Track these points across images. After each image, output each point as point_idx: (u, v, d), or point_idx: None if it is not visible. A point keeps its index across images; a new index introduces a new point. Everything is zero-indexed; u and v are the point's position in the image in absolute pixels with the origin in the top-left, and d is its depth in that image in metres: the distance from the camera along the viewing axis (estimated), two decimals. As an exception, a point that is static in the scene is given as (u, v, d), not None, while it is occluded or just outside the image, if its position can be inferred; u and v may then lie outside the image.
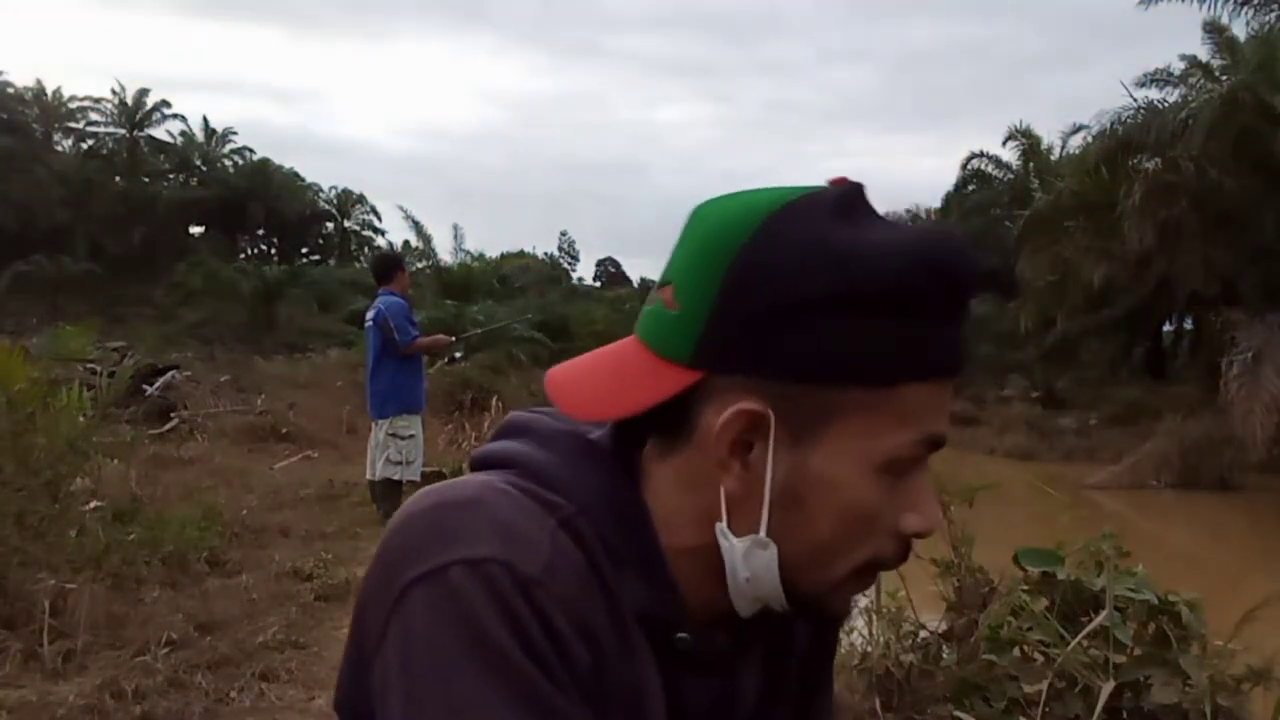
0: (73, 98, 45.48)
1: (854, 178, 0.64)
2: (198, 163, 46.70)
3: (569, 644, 0.58)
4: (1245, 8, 15.17)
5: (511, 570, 0.58)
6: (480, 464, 0.70)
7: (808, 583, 0.65)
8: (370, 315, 5.91)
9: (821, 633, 0.82)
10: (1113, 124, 15.88)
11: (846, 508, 0.62)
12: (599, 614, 0.62)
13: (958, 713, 2.56)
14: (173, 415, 10.77)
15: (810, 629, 0.81)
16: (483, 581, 0.57)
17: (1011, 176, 27.41)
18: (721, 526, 0.64)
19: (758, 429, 0.62)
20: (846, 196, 0.63)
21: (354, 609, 0.65)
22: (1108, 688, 2.33)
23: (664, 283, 0.66)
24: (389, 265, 6.13)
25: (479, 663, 0.56)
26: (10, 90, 42.69)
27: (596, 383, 0.68)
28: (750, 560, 0.64)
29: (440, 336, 6.43)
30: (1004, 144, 26.75)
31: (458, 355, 6.44)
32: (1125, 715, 2.44)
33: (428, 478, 6.09)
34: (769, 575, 0.64)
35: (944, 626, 2.97)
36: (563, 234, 59.27)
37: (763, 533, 0.63)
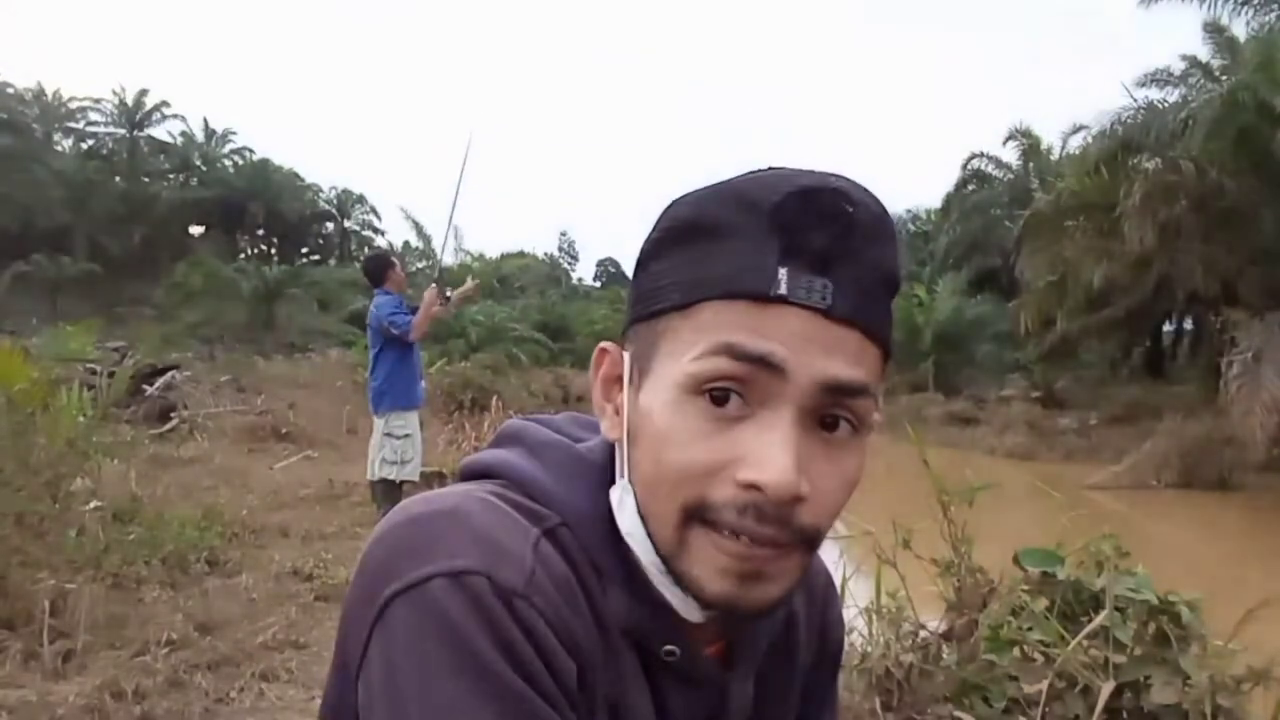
0: (73, 98, 45.53)
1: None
2: (198, 163, 46.71)
3: (553, 655, 0.57)
4: (1245, 8, 15.17)
5: (493, 582, 0.57)
6: (469, 472, 0.70)
7: (658, 537, 0.61)
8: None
9: (823, 646, 0.82)
10: (1113, 124, 15.86)
11: (657, 436, 0.60)
12: (584, 626, 0.61)
13: (958, 713, 2.56)
14: (173, 415, 10.77)
15: (815, 640, 0.80)
16: (464, 593, 0.56)
17: (1011, 176, 27.43)
18: (622, 481, 0.64)
19: (616, 370, 0.66)
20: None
21: (339, 622, 0.64)
22: (1108, 688, 2.32)
23: None
24: (379, 266, 6.10)
25: (462, 675, 0.55)
26: (10, 90, 42.67)
27: None
28: (623, 511, 0.63)
29: (428, 295, 5.99)
30: (1004, 144, 26.82)
31: (448, 295, 6.19)
32: (1125, 715, 2.44)
33: (427, 478, 6.08)
34: (636, 527, 0.62)
35: (944, 626, 2.97)
36: (563, 234, 59.26)
37: (621, 474, 0.64)
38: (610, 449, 0.67)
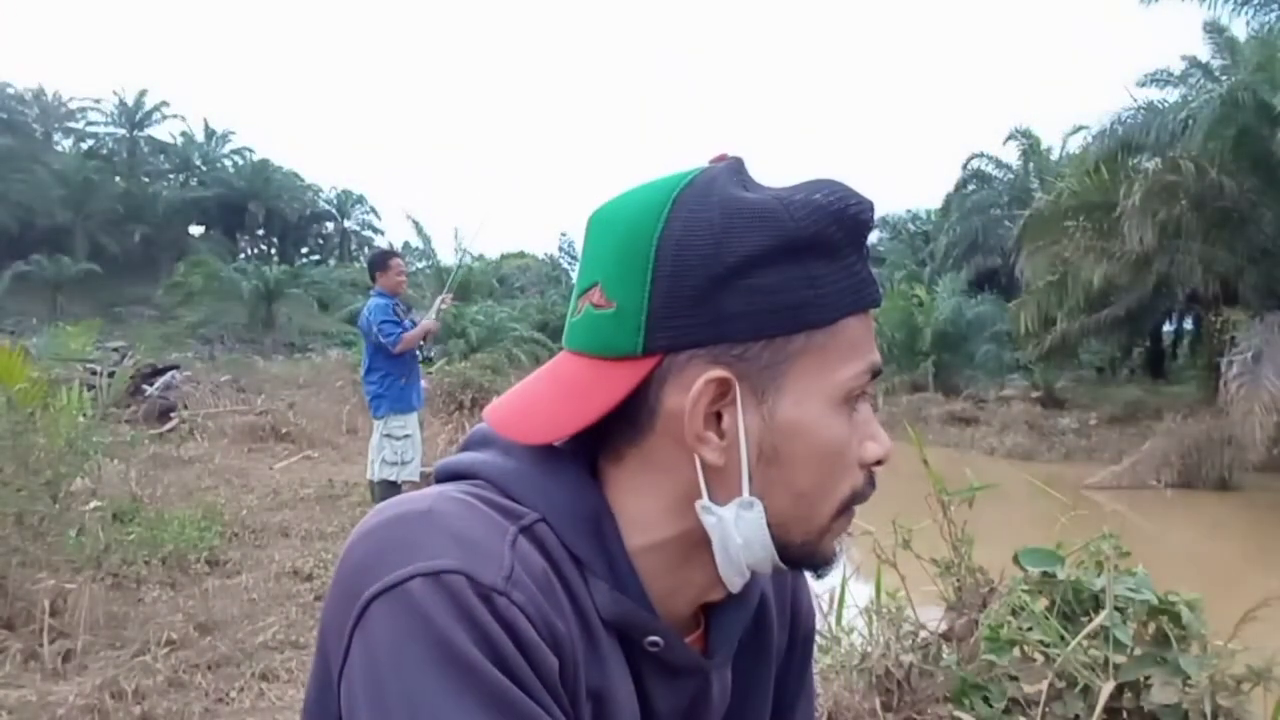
0: (73, 98, 45.70)
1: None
2: (198, 163, 46.78)
3: (534, 650, 0.58)
4: (1245, 8, 15.16)
5: (472, 580, 0.57)
6: (444, 475, 0.70)
7: (799, 533, 0.66)
8: None
9: (794, 633, 0.83)
10: (1113, 124, 15.86)
11: (821, 448, 0.64)
12: (565, 620, 0.61)
13: (958, 713, 2.55)
14: (173, 415, 10.78)
15: (786, 626, 0.81)
16: (444, 593, 0.56)
17: (1011, 176, 27.46)
18: (703, 502, 0.64)
19: (725, 395, 0.63)
20: (736, 166, 0.66)
21: (319, 627, 0.64)
22: (1108, 688, 2.32)
23: (587, 288, 0.66)
24: (372, 263, 6.15)
25: (445, 675, 0.55)
26: (10, 90, 42.70)
27: (543, 406, 0.66)
28: (740, 524, 0.64)
29: (427, 323, 6.12)
30: (1004, 144, 26.86)
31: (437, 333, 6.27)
32: (1125, 715, 2.44)
33: (427, 478, 6.07)
34: (760, 534, 0.64)
35: (944, 626, 2.97)
36: (563, 234, 59.13)
37: (746, 494, 0.63)
38: (585, 443, 0.67)
